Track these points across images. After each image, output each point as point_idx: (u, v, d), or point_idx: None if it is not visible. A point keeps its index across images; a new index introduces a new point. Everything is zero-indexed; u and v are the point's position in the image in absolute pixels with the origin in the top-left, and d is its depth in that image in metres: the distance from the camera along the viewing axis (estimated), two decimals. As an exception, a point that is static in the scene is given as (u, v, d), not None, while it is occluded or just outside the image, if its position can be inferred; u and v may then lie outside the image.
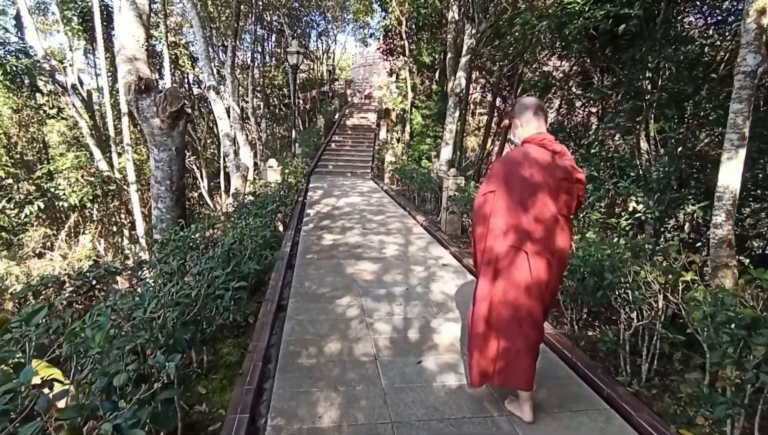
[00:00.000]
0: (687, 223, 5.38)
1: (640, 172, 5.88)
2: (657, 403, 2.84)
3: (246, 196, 5.66)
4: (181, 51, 18.95)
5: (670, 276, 2.81)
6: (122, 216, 11.60)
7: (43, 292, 2.11)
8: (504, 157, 2.62)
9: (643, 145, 6.44)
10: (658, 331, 2.91)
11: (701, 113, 5.36)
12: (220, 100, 7.97)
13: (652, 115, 6.29)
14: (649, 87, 6.06)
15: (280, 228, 6.85)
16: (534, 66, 14.49)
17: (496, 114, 17.11)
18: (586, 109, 11.17)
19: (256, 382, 2.85)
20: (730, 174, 3.85)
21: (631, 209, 5.74)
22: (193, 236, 3.01)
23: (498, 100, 17.05)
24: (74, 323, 1.58)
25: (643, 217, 5.24)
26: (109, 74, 13.82)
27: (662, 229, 6.16)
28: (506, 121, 13.15)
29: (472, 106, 18.67)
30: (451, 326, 3.81)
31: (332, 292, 4.54)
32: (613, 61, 6.63)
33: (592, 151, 5.84)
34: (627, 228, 5.75)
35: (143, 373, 1.54)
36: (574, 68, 10.13)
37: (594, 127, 11.98)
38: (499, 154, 15.62)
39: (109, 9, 14.12)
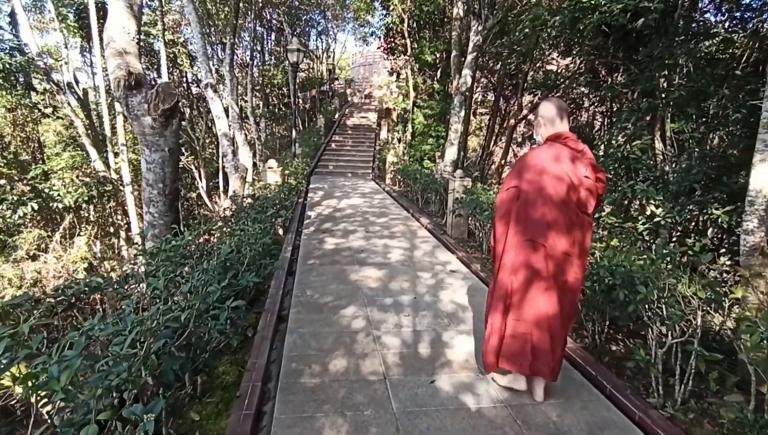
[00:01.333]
0: (710, 229, 5.13)
1: (658, 174, 5.64)
2: (696, 430, 2.58)
3: (245, 199, 5.39)
4: (179, 49, 18.68)
5: (710, 291, 2.55)
6: (119, 217, 11.34)
7: (14, 312, 1.86)
8: (528, 154, 2.65)
9: (658, 145, 6.19)
10: (696, 349, 2.65)
11: (722, 112, 5.11)
12: (218, 99, 7.70)
13: (668, 115, 6.05)
14: (664, 85, 5.81)
15: (280, 231, 6.59)
16: (538, 65, 14.29)
17: (499, 114, 16.87)
18: (593, 109, 10.92)
19: (255, 405, 2.59)
20: (763, 177, 3.60)
21: (648, 213, 5.49)
22: (185, 245, 2.76)
23: (501, 100, 16.80)
24: (41, 357, 1.32)
25: (662, 222, 4.98)
26: (105, 72, 13.55)
27: (681, 234, 5.91)
28: (512, 121, 12.91)
29: (474, 105, 18.42)
30: (464, 340, 3.55)
31: (336, 301, 4.28)
32: (627, 58, 6.38)
33: (609, 151, 5.59)
34: (644, 233, 5.50)
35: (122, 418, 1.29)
36: (582, 66, 9.87)
37: (598, 126, 11.75)
38: (504, 155, 15.37)
39: (105, 6, 13.86)
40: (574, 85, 8.97)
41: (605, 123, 10.25)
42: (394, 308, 4.16)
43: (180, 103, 3.55)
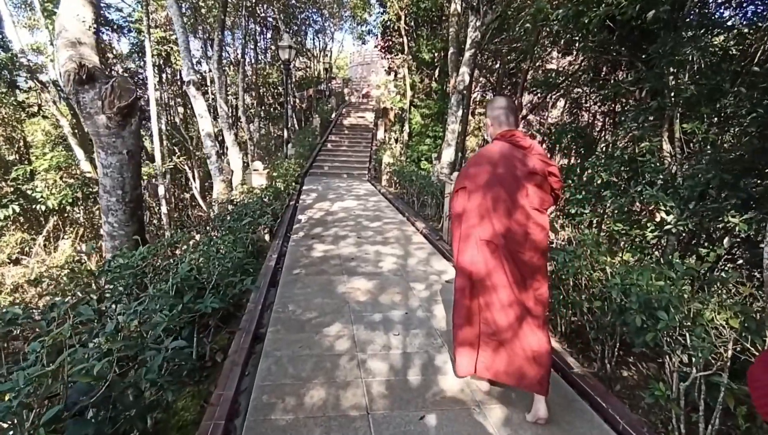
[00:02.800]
0: (725, 237, 4.77)
1: (668, 178, 5.28)
2: (726, 479, 2.23)
3: (226, 205, 5.00)
4: (171, 47, 18.26)
5: (743, 318, 2.20)
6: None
7: None
8: (474, 155, 2.74)
9: (666, 147, 5.83)
10: (725, 384, 2.30)
11: (738, 112, 4.75)
12: (201, 97, 7.30)
13: (677, 115, 5.69)
14: (674, 83, 5.45)
15: (267, 237, 6.22)
16: (538, 63, 13.93)
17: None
18: (594, 109, 10.57)
19: (215, 451, 2.23)
20: (792, 183, 3.24)
21: (658, 219, 5.14)
22: (138, 262, 2.39)
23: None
24: None
25: (673, 230, 4.62)
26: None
27: (689, 242, 5.56)
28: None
29: (472, 105, 18.05)
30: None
31: (320, 317, 3.91)
32: (633, 55, 6.02)
33: (615, 153, 5.23)
34: (653, 241, 5.14)
35: None
36: (584, 64, 9.50)
37: (600, 127, 11.40)
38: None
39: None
40: (576, 84, 8.59)
41: (606, 123, 9.92)
42: (383, 326, 3.79)
43: (140, 100, 3.18)
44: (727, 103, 4.59)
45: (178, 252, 3.27)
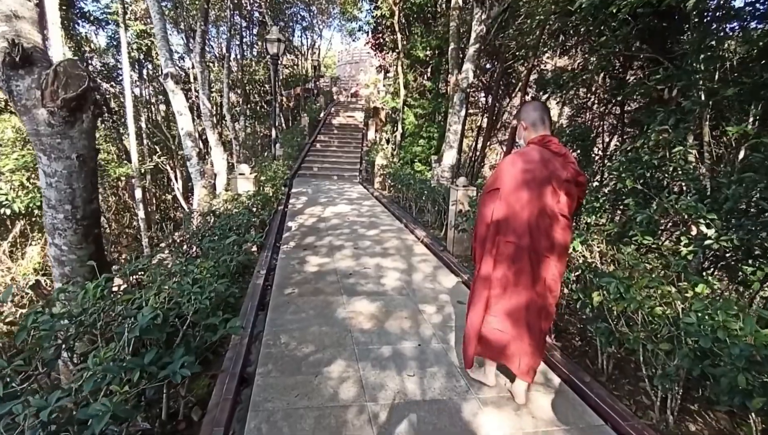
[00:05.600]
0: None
1: (702, 187, 4.79)
2: None
3: (207, 216, 4.32)
4: (152, 41, 17.38)
5: None
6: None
7: None
8: (510, 157, 2.67)
9: (695, 151, 5.34)
10: None
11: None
12: (180, 92, 6.59)
13: (707, 116, 5.22)
14: (705, 80, 4.96)
15: (254, 248, 5.57)
16: (534, 63, 13.46)
17: (494, 115, 16.07)
18: (600, 110, 10.11)
19: None
20: None
21: (694, 233, 4.63)
22: (82, 308, 1.76)
23: (496, 99, 15.98)
24: None
25: (714, 245, 4.11)
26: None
27: (719, 258, 5.09)
28: (514, 122, 12.06)
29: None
30: (492, 416, 2.61)
31: (318, 352, 3.30)
32: (658, 50, 5.53)
33: (644, 157, 4.71)
34: (689, 256, 4.63)
35: None
36: (595, 63, 9.02)
37: (604, 129, 10.96)
38: (505, 156, 14.55)
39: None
40: (584, 84, 8.09)
41: (609, 126, 9.47)
42: (394, 362, 3.20)
43: (94, 91, 2.53)
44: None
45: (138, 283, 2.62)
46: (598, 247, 3.83)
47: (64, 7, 14.35)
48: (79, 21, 16.65)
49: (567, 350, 3.60)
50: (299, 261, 5.60)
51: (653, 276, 2.88)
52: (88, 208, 2.52)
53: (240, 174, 6.16)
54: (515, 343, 2.57)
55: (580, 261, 3.64)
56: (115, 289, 2.82)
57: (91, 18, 16.43)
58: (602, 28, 5.73)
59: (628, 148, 5.27)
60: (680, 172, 4.73)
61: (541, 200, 2.47)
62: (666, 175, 5.46)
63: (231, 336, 3.45)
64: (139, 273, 2.56)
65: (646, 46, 6.04)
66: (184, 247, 3.65)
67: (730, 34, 5.00)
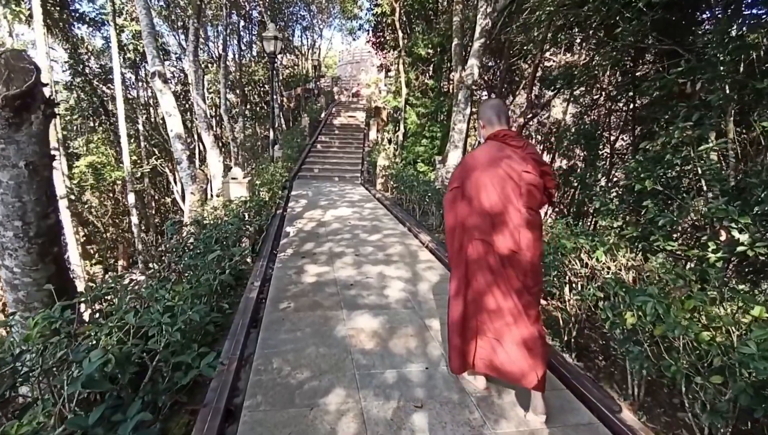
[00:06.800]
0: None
1: (730, 188, 4.43)
2: None
3: (192, 227, 3.96)
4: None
5: None
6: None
7: None
8: (468, 155, 2.75)
9: (718, 149, 4.98)
10: None
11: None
12: (168, 92, 6.23)
13: (731, 111, 4.85)
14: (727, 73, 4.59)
15: (248, 259, 5.23)
16: (538, 60, 13.10)
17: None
18: (611, 107, 9.73)
19: None
20: None
21: (723, 238, 4.28)
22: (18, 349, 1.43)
23: (502, 99, 15.61)
24: None
25: (749, 252, 3.75)
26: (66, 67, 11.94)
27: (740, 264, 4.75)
28: (521, 120, 11.68)
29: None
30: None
31: (314, 379, 2.95)
32: (677, 42, 5.16)
33: (666, 156, 4.36)
34: (717, 263, 4.27)
35: None
36: (595, 59, 8.66)
37: (618, 126, 10.58)
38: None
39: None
40: (599, 79, 7.72)
41: (630, 123, 9.07)
42: (400, 391, 2.85)
43: (44, 86, 2.18)
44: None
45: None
46: (623, 256, 3.48)
47: (58, 8, 14.06)
48: (75, 23, 16.38)
49: (590, 371, 3.26)
50: (297, 270, 5.26)
51: (696, 294, 2.53)
52: (43, 224, 2.18)
53: (232, 178, 5.81)
54: (506, 348, 2.51)
55: (605, 273, 3.29)
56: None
57: (87, 19, 16.13)
58: (617, 18, 5.36)
59: (646, 147, 4.90)
60: (706, 172, 4.37)
61: (502, 195, 2.45)
62: (687, 175, 5.10)
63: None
64: (108, 297, 2.23)
65: (663, 37, 5.67)
66: (156, 265, 3.29)
67: (757, 21, 4.63)
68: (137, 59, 16.96)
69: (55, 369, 1.62)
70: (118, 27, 14.46)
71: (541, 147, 16.26)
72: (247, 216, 5.09)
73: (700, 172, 4.36)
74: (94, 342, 1.61)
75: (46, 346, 1.50)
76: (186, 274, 3.06)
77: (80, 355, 1.48)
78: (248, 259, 5.10)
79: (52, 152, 7.69)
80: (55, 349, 1.52)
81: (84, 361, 1.41)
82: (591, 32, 7.04)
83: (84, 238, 10.79)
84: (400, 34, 14.92)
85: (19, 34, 15.43)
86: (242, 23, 22.45)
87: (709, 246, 4.21)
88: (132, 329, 1.83)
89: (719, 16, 4.59)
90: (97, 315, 2.21)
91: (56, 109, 2.23)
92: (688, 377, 2.29)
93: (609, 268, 3.44)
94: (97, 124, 17.60)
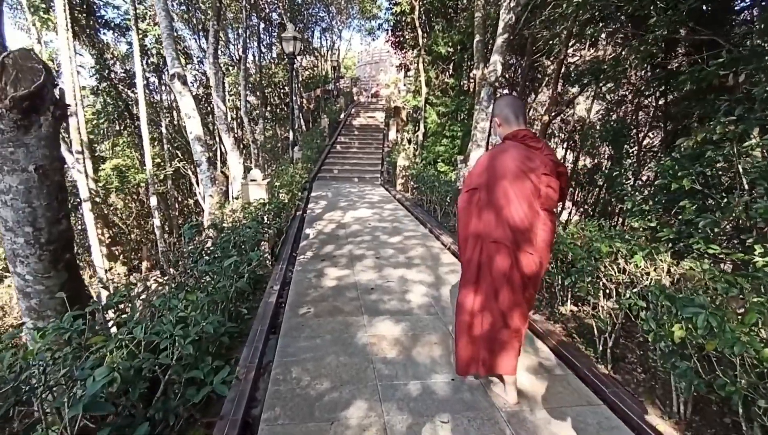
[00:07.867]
0: None
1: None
2: None
3: (210, 230, 3.89)
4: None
5: None
6: (83, 237, 9.90)
7: None
8: (485, 155, 2.67)
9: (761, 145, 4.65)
10: None
11: None
12: (188, 94, 6.22)
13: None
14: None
15: (267, 262, 5.15)
16: (562, 56, 12.73)
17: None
18: (639, 102, 9.35)
19: None
20: None
21: (772, 241, 3.96)
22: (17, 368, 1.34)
23: (524, 97, 15.25)
24: None
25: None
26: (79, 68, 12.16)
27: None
28: (545, 118, 11.37)
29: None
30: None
31: (334, 391, 2.82)
32: (716, 32, 4.86)
33: (707, 153, 4.09)
34: (765, 267, 3.96)
35: None
36: (622, 54, 8.32)
37: (647, 123, 10.17)
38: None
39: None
40: (633, 72, 7.39)
41: (661, 118, 8.67)
42: (425, 404, 2.69)
43: (55, 87, 2.11)
44: None
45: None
46: (663, 262, 3.23)
47: (84, 15, 14.38)
48: (101, 29, 16.73)
49: (629, 385, 3.03)
50: (316, 274, 5.15)
51: (753, 305, 2.29)
52: (55, 229, 2.11)
53: (251, 180, 5.75)
54: (501, 345, 2.55)
55: (645, 281, 3.06)
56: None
57: (112, 25, 16.45)
58: (650, 9, 5.08)
59: (684, 144, 4.61)
60: (752, 170, 4.07)
61: (520, 196, 2.42)
62: (726, 174, 4.79)
63: (236, 360, 3.03)
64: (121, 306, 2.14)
65: (699, 27, 5.35)
66: (172, 270, 3.22)
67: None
68: (160, 63, 17.22)
69: (62, 383, 1.52)
70: (140, 31, 14.68)
71: (564, 145, 15.84)
72: (266, 218, 5.00)
73: (741, 169, 4.08)
74: (101, 356, 1.51)
75: (49, 363, 1.41)
76: (202, 280, 2.96)
77: (84, 373, 1.38)
78: (267, 263, 5.00)
79: (76, 155, 7.76)
80: (60, 365, 1.42)
81: (88, 380, 1.32)
82: (619, 25, 6.74)
83: (109, 240, 10.93)
84: (420, 33, 14.74)
85: (47, 42, 15.83)
86: (262, 25, 22.61)
87: (756, 249, 3.92)
88: (143, 342, 1.73)
89: (763, 3, 4.28)
90: (111, 323, 2.12)
91: (68, 111, 2.17)
92: (746, 398, 2.07)
93: (648, 273, 3.21)
94: (122, 127, 17.94)
